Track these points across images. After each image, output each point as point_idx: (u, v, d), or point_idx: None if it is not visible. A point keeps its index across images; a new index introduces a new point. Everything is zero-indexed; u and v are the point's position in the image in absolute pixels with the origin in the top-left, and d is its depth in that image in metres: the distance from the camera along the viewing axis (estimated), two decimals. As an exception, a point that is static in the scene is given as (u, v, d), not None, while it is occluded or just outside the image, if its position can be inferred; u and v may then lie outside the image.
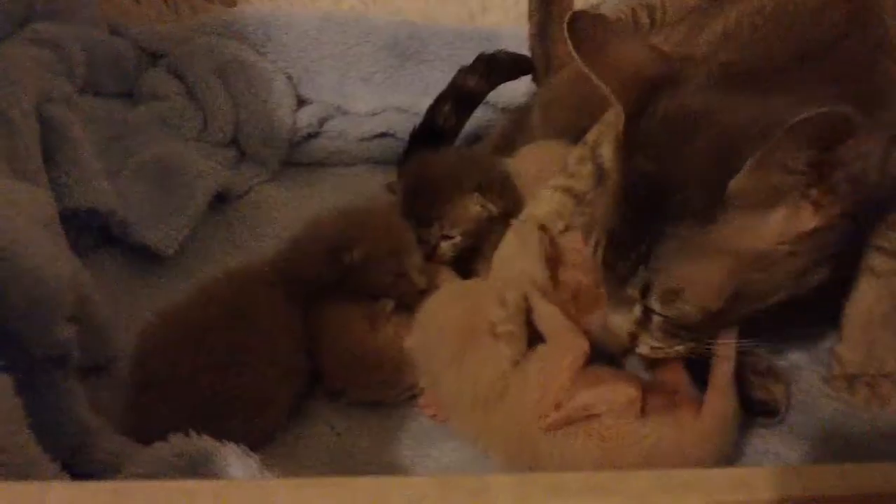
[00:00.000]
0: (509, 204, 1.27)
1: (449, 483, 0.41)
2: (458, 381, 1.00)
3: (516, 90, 1.63)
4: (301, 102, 1.76)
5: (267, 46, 1.74)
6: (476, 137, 1.65)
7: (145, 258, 1.34)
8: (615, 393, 0.94)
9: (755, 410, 1.01)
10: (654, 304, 0.88)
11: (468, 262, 1.27)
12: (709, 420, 0.93)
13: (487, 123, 1.66)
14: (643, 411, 0.93)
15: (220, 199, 1.50)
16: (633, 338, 0.94)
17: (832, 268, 0.88)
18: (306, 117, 1.70)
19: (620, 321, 0.93)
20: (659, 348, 0.94)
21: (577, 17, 0.89)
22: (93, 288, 1.11)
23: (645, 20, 1.51)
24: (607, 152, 1.06)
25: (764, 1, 0.96)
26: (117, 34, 1.69)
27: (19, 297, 0.81)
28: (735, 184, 0.78)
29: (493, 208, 1.25)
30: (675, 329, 0.90)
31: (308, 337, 1.10)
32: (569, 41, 0.89)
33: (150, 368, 1.02)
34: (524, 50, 1.54)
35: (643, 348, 0.94)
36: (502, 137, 1.54)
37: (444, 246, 1.25)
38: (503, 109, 1.68)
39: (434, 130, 1.50)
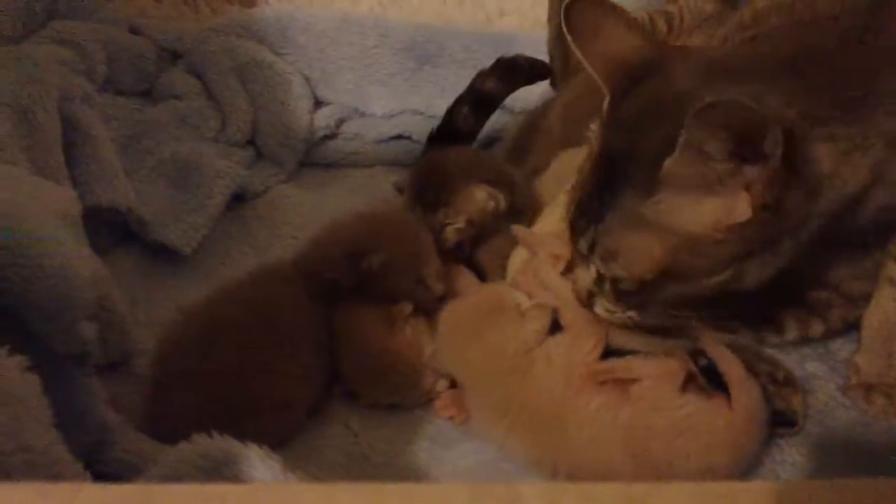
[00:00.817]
0: (519, 203, 1.27)
1: (480, 490, 0.41)
2: (482, 356, 1.02)
3: (532, 94, 1.63)
4: (318, 104, 1.77)
5: (285, 47, 1.75)
6: (492, 140, 1.65)
7: (163, 256, 1.35)
8: (662, 363, 0.98)
9: (774, 421, 1.00)
10: (596, 262, 0.94)
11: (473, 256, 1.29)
12: (741, 412, 0.94)
13: (503, 127, 1.66)
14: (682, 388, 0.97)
15: (238, 199, 1.51)
16: (591, 296, 0.99)
17: (781, 264, 0.91)
18: (323, 118, 1.71)
19: (583, 276, 0.99)
20: (613, 312, 0.98)
21: (574, 3, 0.93)
22: (112, 285, 1.13)
23: (662, 27, 1.51)
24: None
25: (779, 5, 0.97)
26: (137, 33, 1.70)
27: (43, 295, 0.81)
28: (668, 163, 0.82)
29: (500, 199, 1.24)
30: (620, 295, 0.95)
31: (328, 337, 1.10)
32: (564, 27, 0.94)
33: (170, 365, 1.02)
34: (541, 54, 1.53)
35: (598, 309, 0.99)
36: (515, 141, 1.54)
37: (449, 230, 1.24)
38: (519, 113, 1.68)
39: (452, 132, 1.49)
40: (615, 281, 0.94)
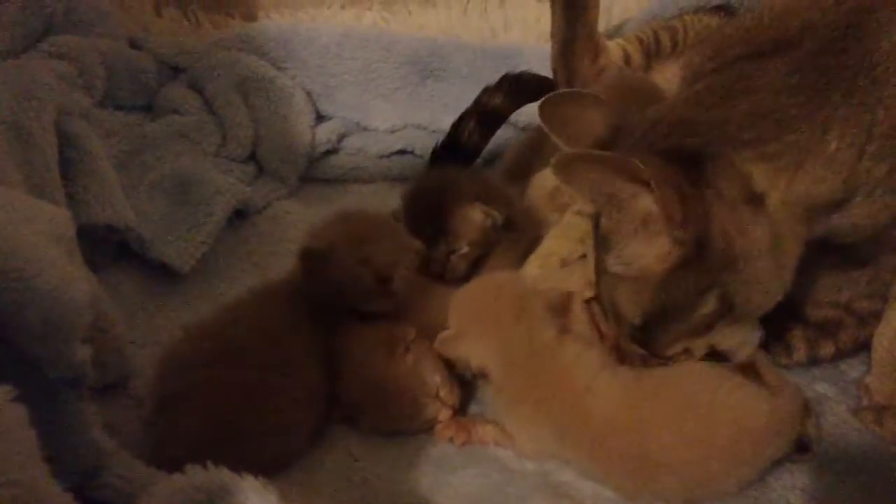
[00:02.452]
0: (513, 212, 1.26)
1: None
2: (514, 338, 1.02)
3: (536, 109, 1.62)
4: (320, 118, 1.76)
5: (287, 62, 1.74)
6: (496, 156, 1.64)
7: (162, 273, 1.33)
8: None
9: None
10: (611, 319, 1.03)
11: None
12: (787, 397, 0.99)
13: (507, 142, 1.65)
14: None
15: (238, 215, 1.50)
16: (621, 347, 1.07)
17: (786, 284, 0.96)
18: (325, 133, 1.70)
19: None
20: (645, 356, 1.05)
21: (548, 100, 1.01)
22: (109, 305, 1.11)
23: (667, 42, 1.51)
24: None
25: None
26: (137, 47, 1.69)
27: (35, 319, 0.79)
28: (603, 222, 0.93)
29: (496, 215, 1.24)
30: (634, 339, 1.02)
31: (328, 360, 1.08)
32: (540, 118, 1.00)
33: (169, 387, 1.00)
34: (545, 68, 1.52)
35: (632, 355, 1.06)
36: (517, 158, 1.53)
37: (455, 260, 1.23)
38: (524, 129, 1.67)
39: (457, 148, 1.48)
40: (630, 327, 1.00)
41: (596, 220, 0.99)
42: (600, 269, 1.00)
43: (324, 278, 1.09)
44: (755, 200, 0.90)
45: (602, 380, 0.99)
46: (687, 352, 1.02)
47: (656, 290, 0.94)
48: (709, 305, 0.95)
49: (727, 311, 0.95)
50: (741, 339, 1.03)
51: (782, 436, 0.96)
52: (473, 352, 1.04)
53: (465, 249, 1.24)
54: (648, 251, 0.92)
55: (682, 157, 0.89)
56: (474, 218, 1.24)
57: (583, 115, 1.00)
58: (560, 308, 1.09)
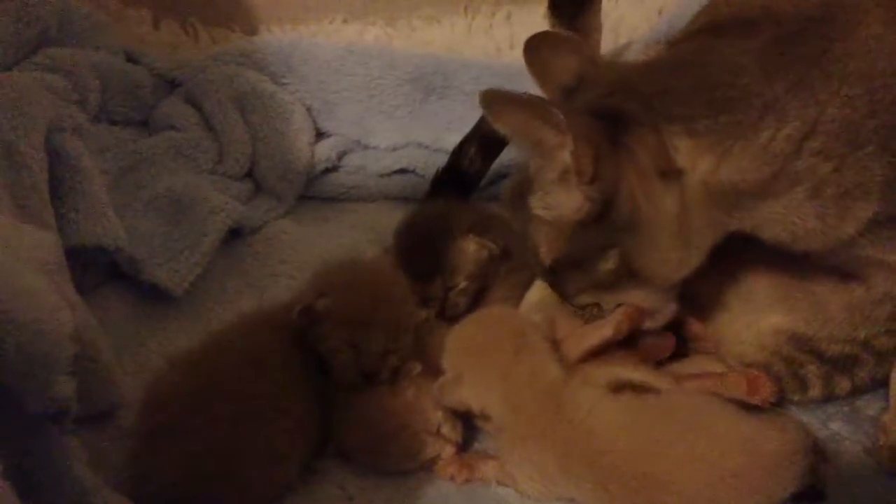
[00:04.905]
0: (510, 240, 1.23)
1: None
2: (515, 375, 1.00)
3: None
4: (320, 135, 1.72)
5: (287, 77, 1.71)
6: (501, 176, 1.60)
7: (153, 295, 1.30)
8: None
9: (801, 495, 0.94)
10: (531, 257, 1.07)
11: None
12: (795, 430, 0.97)
13: (510, 163, 1.61)
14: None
15: (234, 234, 1.46)
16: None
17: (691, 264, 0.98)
18: (325, 150, 1.67)
19: None
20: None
21: (531, 41, 1.03)
22: (97, 331, 1.07)
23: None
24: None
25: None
26: (134, 61, 1.66)
27: (15, 353, 0.75)
28: (531, 164, 0.97)
29: (492, 246, 1.20)
30: (547, 280, 1.10)
31: (323, 390, 1.05)
32: (525, 58, 1.03)
33: (158, 418, 0.96)
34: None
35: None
36: (519, 189, 1.50)
37: (453, 296, 1.20)
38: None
39: (459, 174, 1.45)
40: (542, 267, 1.06)
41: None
42: (528, 211, 1.02)
43: (312, 338, 1.05)
44: (672, 174, 0.92)
45: (604, 404, 0.97)
46: (597, 306, 1.07)
47: (567, 238, 0.99)
48: (609, 263, 1.00)
49: (628, 273, 1.00)
50: (654, 306, 1.06)
51: (793, 468, 0.92)
52: (474, 394, 1.00)
53: (462, 284, 1.20)
54: (566, 201, 0.95)
55: (614, 118, 0.91)
56: (469, 251, 1.20)
57: (559, 59, 1.02)
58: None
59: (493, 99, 0.93)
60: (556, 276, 1.06)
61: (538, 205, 0.99)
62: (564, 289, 1.08)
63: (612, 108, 0.92)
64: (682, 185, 0.92)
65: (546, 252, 1.03)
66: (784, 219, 0.94)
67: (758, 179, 0.91)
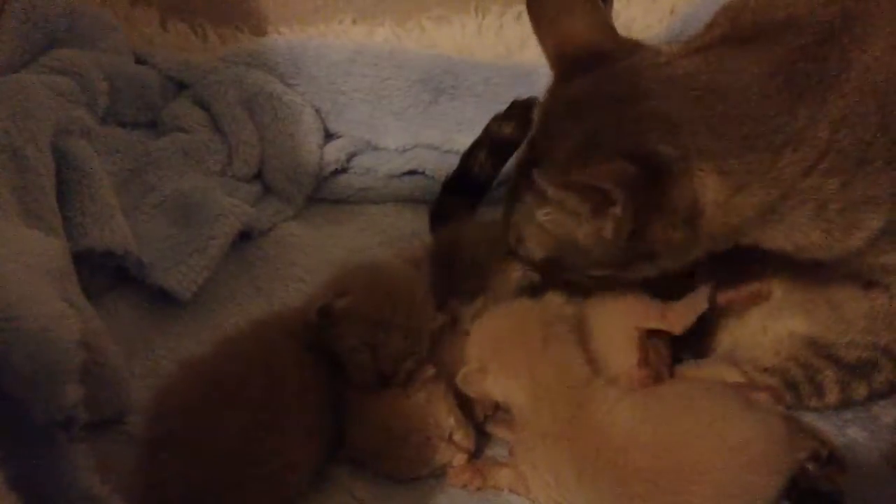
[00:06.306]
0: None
1: None
2: (542, 367, 0.99)
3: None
4: (329, 136, 1.71)
5: (296, 78, 1.70)
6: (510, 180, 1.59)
7: (162, 299, 1.29)
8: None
9: (818, 501, 0.93)
10: (512, 242, 1.05)
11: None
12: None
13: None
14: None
15: (242, 237, 1.45)
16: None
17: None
18: (334, 152, 1.65)
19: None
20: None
21: None
22: (105, 337, 1.06)
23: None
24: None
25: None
26: (143, 62, 1.65)
27: (23, 361, 0.75)
28: (552, 193, 0.90)
29: (534, 276, 1.17)
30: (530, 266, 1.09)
31: (335, 395, 1.04)
32: (528, 15, 1.00)
33: (167, 424, 0.95)
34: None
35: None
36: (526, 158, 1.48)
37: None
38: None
39: (469, 179, 1.43)
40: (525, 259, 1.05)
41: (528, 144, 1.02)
42: (519, 199, 1.00)
43: (328, 338, 1.04)
44: (695, 216, 0.90)
45: (624, 402, 0.96)
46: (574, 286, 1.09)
47: (566, 247, 0.97)
48: (599, 273, 0.99)
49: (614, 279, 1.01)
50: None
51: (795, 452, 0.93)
52: (498, 385, 0.99)
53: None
54: (580, 228, 0.93)
55: (652, 164, 0.86)
56: (513, 276, 1.18)
57: (571, 19, 0.97)
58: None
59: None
60: (540, 267, 1.05)
61: (545, 218, 0.96)
62: (544, 278, 1.08)
63: (647, 151, 0.87)
64: (699, 221, 0.90)
65: (536, 249, 1.02)
66: (788, 232, 0.93)
67: (764, 202, 0.89)
